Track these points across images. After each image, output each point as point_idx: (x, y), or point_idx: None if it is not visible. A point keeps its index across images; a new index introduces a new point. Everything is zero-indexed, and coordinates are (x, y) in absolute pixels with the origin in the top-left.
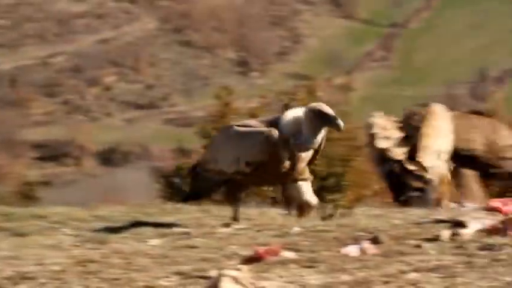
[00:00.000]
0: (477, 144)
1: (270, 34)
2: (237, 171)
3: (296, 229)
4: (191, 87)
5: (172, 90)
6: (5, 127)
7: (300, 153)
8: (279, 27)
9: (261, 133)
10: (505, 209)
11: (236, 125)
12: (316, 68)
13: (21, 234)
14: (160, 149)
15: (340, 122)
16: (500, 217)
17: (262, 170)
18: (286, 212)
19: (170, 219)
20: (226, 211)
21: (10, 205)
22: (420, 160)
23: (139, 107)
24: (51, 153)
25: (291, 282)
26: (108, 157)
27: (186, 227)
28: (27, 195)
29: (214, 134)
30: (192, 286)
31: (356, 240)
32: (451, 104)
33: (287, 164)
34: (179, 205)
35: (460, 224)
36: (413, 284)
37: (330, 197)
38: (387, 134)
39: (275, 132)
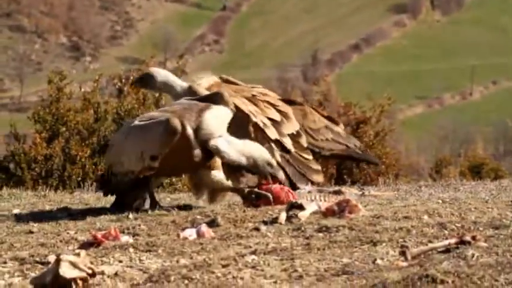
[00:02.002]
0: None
1: (101, 18)
2: (144, 167)
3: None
4: (23, 72)
5: (4, 75)
6: None
7: None
8: (110, 12)
9: (160, 123)
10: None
11: (135, 120)
12: (149, 51)
13: None
14: None
15: None
16: (335, 198)
17: (171, 160)
18: (196, 197)
19: (6, 205)
20: (63, 196)
21: None
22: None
23: None
24: None
25: (131, 267)
26: None
27: (23, 212)
28: None
29: (113, 135)
30: (30, 271)
31: (194, 224)
32: (284, 87)
33: (197, 151)
34: (15, 190)
35: (297, 206)
36: (252, 267)
37: None
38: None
39: (175, 121)
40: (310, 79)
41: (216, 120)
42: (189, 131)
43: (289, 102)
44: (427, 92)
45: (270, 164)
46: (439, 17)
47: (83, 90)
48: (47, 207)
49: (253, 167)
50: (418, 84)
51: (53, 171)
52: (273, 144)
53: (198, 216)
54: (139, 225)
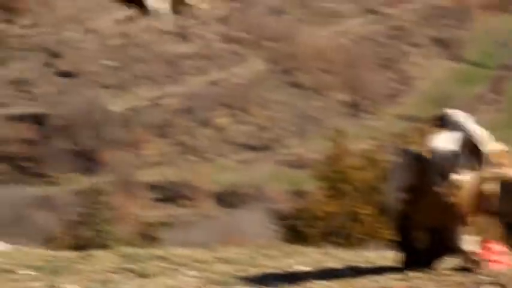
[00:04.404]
0: None
1: (379, 76)
2: (398, 200)
3: None
4: (303, 129)
5: (285, 131)
6: (121, 168)
7: (452, 177)
8: (388, 70)
9: (408, 153)
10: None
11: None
12: (427, 110)
13: (145, 275)
14: (276, 191)
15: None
16: None
17: (420, 198)
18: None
19: (291, 262)
20: (347, 254)
21: (131, 246)
22: None
23: (252, 148)
24: (167, 194)
25: None
26: (225, 198)
27: (307, 269)
28: (147, 236)
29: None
30: None
31: (479, 286)
32: None
33: (442, 189)
34: (300, 247)
35: None
36: None
37: None
38: None
39: (416, 150)
40: None
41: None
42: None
43: None
44: None
45: None
46: None
47: (362, 147)
48: (332, 265)
49: None
50: None
51: (337, 228)
52: None
53: (484, 277)
54: (425, 284)
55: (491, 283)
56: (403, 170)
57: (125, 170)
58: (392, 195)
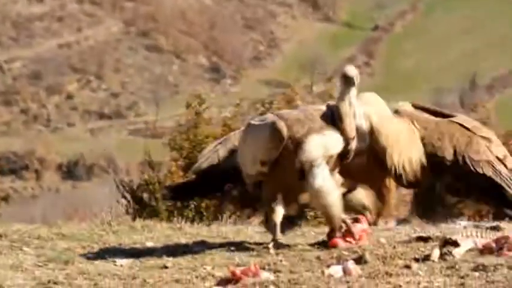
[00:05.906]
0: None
1: (243, 38)
2: (258, 172)
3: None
4: (159, 95)
5: (139, 98)
6: None
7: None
8: (253, 31)
9: (266, 126)
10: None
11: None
12: (294, 74)
13: None
14: (127, 162)
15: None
16: (493, 235)
17: (281, 168)
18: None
19: (139, 238)
20: (199, 229)
21: None
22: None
23: (103, 116)
24: (9, 166)
25: None
26: (71, 170)
27: (157, 245)
28: None
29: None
30: None
31: (340, 260)
32: None
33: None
34: (148, 222)
35: (452, 243)
36: None
37: None
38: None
39: (282, 126)
40: (468, 105)
41: (319, 147)
42: (289, 144)
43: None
44: None
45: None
46: None
47: (222, 115)
48: (183, 241)
49: (327, 208)
50: None
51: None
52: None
53: (345, 252)
54: (281, 260)
55: (353, 259)
56: (261, 143)
57: None
58: (249, 166)
